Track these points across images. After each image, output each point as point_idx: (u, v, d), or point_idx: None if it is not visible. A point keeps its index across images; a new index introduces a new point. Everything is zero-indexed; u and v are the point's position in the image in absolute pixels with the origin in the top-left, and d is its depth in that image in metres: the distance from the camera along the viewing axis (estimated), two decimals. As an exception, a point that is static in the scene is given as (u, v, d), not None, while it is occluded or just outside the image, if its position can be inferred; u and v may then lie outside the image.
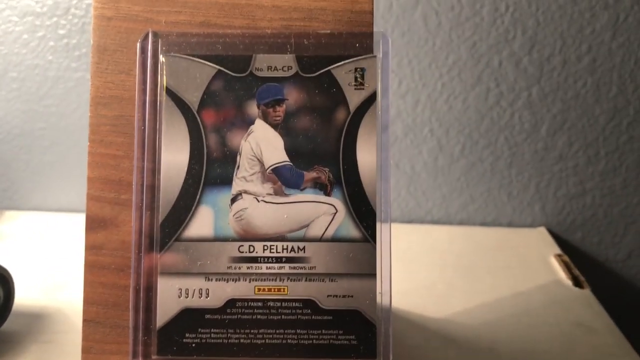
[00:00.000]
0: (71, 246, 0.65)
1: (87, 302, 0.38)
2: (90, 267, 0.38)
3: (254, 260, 0.36)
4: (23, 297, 0.53)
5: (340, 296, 0.36)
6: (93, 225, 0.38)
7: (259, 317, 0.36)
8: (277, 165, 0.36)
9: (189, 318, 0.36)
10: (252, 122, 0.37)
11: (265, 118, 0.37)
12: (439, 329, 0.51)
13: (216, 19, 0.38)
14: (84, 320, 0.37)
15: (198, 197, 0.36)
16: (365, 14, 0.38)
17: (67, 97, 0.73)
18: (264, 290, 0.36)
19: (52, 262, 0.62)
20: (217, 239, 0.36)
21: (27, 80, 0.73)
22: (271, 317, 0.36)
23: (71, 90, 0.73)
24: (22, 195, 0.77)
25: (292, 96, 0.37)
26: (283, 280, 0.36)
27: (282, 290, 0.36)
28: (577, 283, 0.60)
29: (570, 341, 0.50)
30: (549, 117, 0.71)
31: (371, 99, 0.36)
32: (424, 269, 0.62)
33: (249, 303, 0.36)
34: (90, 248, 0.38)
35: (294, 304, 0.36)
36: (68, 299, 0.54)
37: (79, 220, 0.72)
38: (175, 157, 0.36)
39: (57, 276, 0.59)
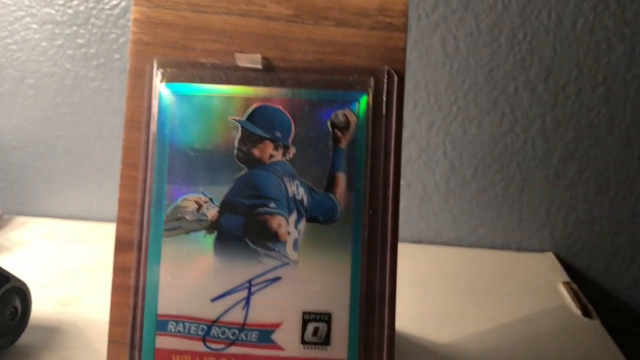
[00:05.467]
0: (83, 254, 0.66)
1: (113, 322, 0.38)
2: (118, 289, 0.38)
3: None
4: (37, 310, 0.53)
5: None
6: (122, 247, 0.38)
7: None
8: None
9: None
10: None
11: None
12: (447, 355, 0.51)
13: (251, 49, 0.39)
14: (110, 341, 0.38)
15: (228, 225, 0.37)
16: (399, 50, 0.38)
17: (82, 105, 0.74)
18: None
19: (63, 271, 0.62)
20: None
21: (43, 87, 0.73)
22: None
23: (87, 99, 0.73)
24: (34, 201, 0.77)
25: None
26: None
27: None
28: (586, 313, 0.60)
29: (580, 373, 0.51)
30: (562, 144, 0.71)
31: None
32: (434, 292, 0.62)
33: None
34: (118, 270, 0.38)
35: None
36: (81, 311, 0.55)
37: (91, 228, 0.73)
38: (206, 184, 0.37)
39: (68, 286, 0.59)
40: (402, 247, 0.71)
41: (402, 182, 0.72)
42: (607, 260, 0.75)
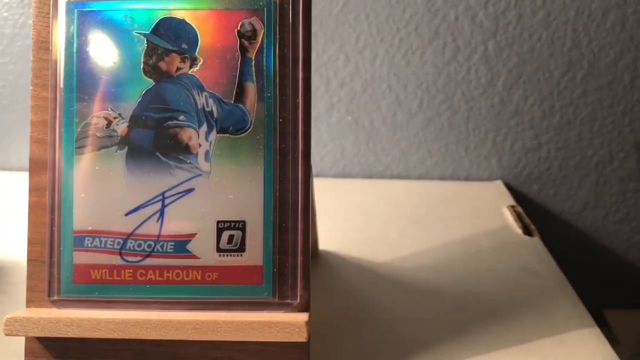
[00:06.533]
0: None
1: (32, 242, 0.38)
2: (34, 208, 0.38)
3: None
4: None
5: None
6: (36, 167, 0.38)
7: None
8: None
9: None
10: (190, 64, 0.37)
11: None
12: (387, 274, 0.52)
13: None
14: (29, 260, 0.38)
15: (137, 138, 0.37)
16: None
17: (24, 54, 0.73)
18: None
19: (13, 219, 0.62)
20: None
21: (-17, 38, 0.72)
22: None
23: (28, 47, 0.72)
24: (-18, 155, 0.77)
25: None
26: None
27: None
28: (527, 231, 0.61)
29: (513, 284, 0.52)
30: (505, 71, 0.72)
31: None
32: (378, 220, 0.63)
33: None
34: (34, 190, 0.38)
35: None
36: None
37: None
38: (113, 98, 0.37)
39: (18, 232, 0.59)
40: (351, 182, 0.72)
41: (348, 118, 0.72)
42: (555, 185, 0.76)
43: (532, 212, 0.75)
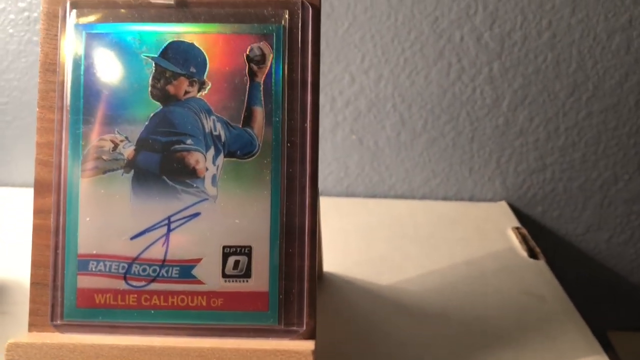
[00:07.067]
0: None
1: (35, 265, 0.38)
2: (38, 231, 0.38)
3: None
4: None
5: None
6: (41, 189, 0.38)
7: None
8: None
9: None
10: (198, 88, 0.37)
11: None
12: (392, 297, 0.52)
13: (163, -15, 0.38)
14: (32, 283, 0.38)
15: (144, 161, 0.37)
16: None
17: (29, 71, 0.73)
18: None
19: (15, 237, 0.62)
20: (163, 203, 0.37)
21: (-12, 53, 0.72)
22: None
23: (33, 64, 0.72)
24: (-16, 170, 0.77)
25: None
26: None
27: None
28: (532, 254, 0.61)
29: (519, 308, 0.51)
30: (510, 92, 0.71)
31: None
32: (382, 240, 0.63)
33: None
34: (38, 212, 0.38)
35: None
36: (29, 272, 0.54)
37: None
38: (121, 122, 0.37)
39: (19, 251, 0.58)
40: (354, 201, 0.72)
41: (353, 137, 0.72)
42: (560, 207, 0.76)
43: (536, 233, 0.74)
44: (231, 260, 0.37)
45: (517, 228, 0.67)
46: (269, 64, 0.38)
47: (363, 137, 0.73)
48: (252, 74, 0.38)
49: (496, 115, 0.72)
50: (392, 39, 0.70)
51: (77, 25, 0.38)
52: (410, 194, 0.75)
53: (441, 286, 0.54)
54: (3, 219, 0.66)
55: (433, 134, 0.73)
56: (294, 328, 0.37)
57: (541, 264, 0.59)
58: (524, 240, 0.64)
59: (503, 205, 0.74)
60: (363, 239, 0.63)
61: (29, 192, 0.72)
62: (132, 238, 0.37)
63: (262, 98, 0.38)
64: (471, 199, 0.75)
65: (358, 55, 0.70)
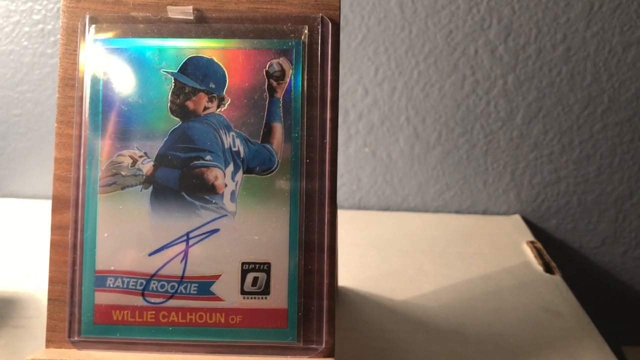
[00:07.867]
0: (47, 233, 0.65)
1: (52, 281, 0.38)
2: (56, 247, 0.38)
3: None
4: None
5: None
6: (59, 205, 0.38)
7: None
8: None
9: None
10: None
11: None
12: (407, 313, 0.51)
13: (183, 1, 0.38)
14: (49, 299, 0.38)
15: (163, 177, 0.37)
16: (331, -4, 0.38)
17: (42, 83, 0.73)
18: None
19: (27, 249, 0.62)
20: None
21: (1, 66, 0.72)
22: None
23: (47, 76, 0.72)
24: (-3, 182, 0.77)
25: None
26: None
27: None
28: (548, 269, 0.60)
29: (536, 325, 0.51)
30: (524, 105, 0.71)
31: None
32: (396, 254, 0.62)
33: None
34: (56, 228, 0.38)
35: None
36: (42, 285, 0.54)
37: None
38: (140, 137, 0.37)
39: (32, 263, 0.58)
40: (367, 214, 0.71)
41: (366, 149, 0.72)
42: (574, 220, 0.75)
43: (550, 247, 0.74)
44: (250, 276, 0.37)
45: (532, 242, 0.66)
46: (288, 80, 0.38)
47: (376, 149, 0.73)
48: (272, 90, 0.38)
49: (510, 128, 0.72)
50: (406, 51, 0.70)
51: (96, 40, 0.38)
52: (423, 207, 0.75)
53: (457, 302, 0.53)
54: (16, 230, 0.66)
55: (447, 146, 0.73)
56: (313, 346, 0.36)
57: (557, 279, 0.59)
58: (539, 254, 0.63)
59: (517, 219, 0.73)
60: (376, 252, 0.63)
61: (42, 204, 0.73)
62: (151, 254, 0.37)
63: (282, 114, 0.37)
64: (485, 212, 0.75)
65: (372, 68, 0.70)
